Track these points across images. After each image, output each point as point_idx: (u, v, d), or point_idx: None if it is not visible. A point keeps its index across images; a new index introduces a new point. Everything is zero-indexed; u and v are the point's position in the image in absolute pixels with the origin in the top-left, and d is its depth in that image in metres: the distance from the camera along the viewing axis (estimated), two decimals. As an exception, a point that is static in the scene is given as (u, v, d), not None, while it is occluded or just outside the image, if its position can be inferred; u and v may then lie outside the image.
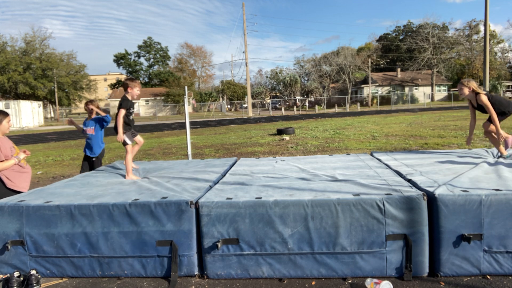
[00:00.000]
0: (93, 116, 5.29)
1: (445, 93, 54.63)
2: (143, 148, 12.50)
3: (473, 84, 4.40)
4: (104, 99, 70.69)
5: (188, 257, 2.96)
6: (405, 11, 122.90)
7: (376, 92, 54.49)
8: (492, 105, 4.24)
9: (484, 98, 4.23)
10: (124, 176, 4.21)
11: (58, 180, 4.30)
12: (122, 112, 4.13)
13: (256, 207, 2.87)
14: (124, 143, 4.21)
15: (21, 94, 45.50)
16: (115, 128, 4.20)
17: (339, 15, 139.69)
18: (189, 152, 7.18)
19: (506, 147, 4.37)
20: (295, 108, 43.29)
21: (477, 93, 4.32)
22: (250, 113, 40.38)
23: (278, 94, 64.07)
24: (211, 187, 3.51)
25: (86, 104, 5.37)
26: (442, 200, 2.71)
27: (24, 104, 34.62)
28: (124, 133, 4.20)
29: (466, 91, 4.41)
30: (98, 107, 5.34)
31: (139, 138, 4.50)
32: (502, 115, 4.31)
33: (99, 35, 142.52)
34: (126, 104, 4.16)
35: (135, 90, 4.24)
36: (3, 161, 3.64)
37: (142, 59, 71.16)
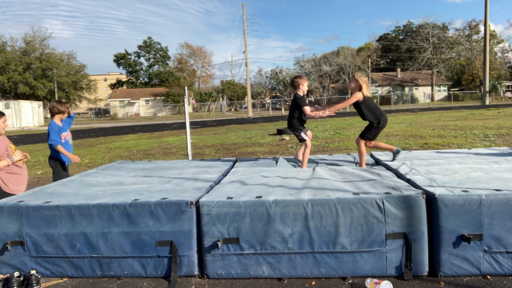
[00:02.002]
0: (65, 117, 4.82)
1: (445, 93, 54.66)
2: (143, 148, 12.51)
3: (363, 80, 4.16)
4: (104, 99, 70.68)
5: (188, 257, 2.96)
6: (405, 11, 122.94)
7: (376, 92, 54.50)
8: (360, 106, 4.14)
9: (356, 93, 4.12)
10: (122, 176, 4.21)
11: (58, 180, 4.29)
12: (307, 108, 4.26)
13: (256, 206, 2.87)
14: (302, 140, 4.35)
15: (21, 94, 45.50)
16: (291, 126, 4.33)
17: (339, 15, 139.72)
18: (189, 152, 7.18)
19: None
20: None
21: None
22: (250, 113, 40.38)
23: (278, 94, 64.08)
24: (211, 186, 3.51)
25: (65, 104, 4.73)
26: (442, 200, 2.71)
27: (24, 104, 34.62)
28: (301, 130, 4.35)
29: (352, 85, 4.21)
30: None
31: (311, 134, 4.48)
32: (370, 123, 4.22)
33: (99, 35, 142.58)
34: (304, 101, 4.26)
35: (305, 86, 4.35)
36: None
37: (142, 59, 71.23)
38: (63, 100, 4.92)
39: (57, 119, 4.69)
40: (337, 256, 2.84)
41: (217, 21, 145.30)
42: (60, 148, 4.55)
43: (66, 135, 4.73)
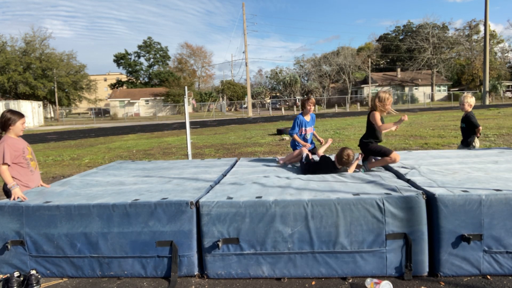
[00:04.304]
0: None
1: (445, 93, 54.65)
2: (143, 148, 12.50)
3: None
4: (104, 99, 70.67)
5: (188, 257, 2.96)
6: (405, 11, 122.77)
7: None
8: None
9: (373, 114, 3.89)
10: (122, 176, 4.21)
11: (58, 180, 4.30)
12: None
13: (256, 206, 2.87)
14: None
15: (21, 94, 45.45)
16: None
17: (339, 15, 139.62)
18: (189, 152, 7.17)
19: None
20: (295, 108, 43.27)
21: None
22: (250, 113, 40.38)
23: (278, 94, 64.08)
24: (211, 187, 3.51)
25: (310, 103, 5.03)
26: (442, 200, 2.71)
27: (24, 104, 34.62)
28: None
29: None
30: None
31: None
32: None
33: (100, 35, 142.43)
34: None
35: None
36: (8, 164, 3.40)
37: (142, 59, 71.16)
38: (310, 98, 5.16)
39: (305, 114, 5.04)
40: (337, 256, 2.84)
41: (217, 21, 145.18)
42: (295, 137, 4.96)
43: (306, 130, 5.04)
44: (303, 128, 4.96)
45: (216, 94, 60.72)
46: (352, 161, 3.86)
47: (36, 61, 46.67)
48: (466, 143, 5.17)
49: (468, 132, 5.16)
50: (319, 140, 5.14)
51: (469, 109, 5.15)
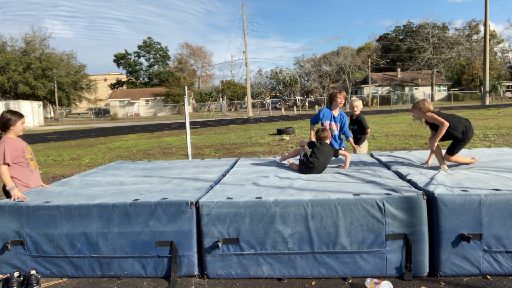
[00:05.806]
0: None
1: (445, 93, 54.66)
2: (143, 148, 12.51)
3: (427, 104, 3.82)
4: (104, 99, 70.68)
5: (188, 257, 2.96)
6: (405, 11, 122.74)
7: (376, 92, 54.50)
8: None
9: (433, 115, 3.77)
10: (122, 176, 4.22)
11: (58, 180, 4.30)
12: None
13: (256, 206, 2.87)
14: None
15: (21, 94, 45.46)
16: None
17: (339, 15, 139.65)
18: (189, 152, 7.18)
19: None
20: (295, 108, 43.27)
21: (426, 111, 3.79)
22: (250, 113, 40.38)
23: (278, 94, 64.12)
24: (211, 187, 3.51)
25: (341, 96, 4.82)
26: (442, 200, 2.71)
27: (24, 104, 34.62)
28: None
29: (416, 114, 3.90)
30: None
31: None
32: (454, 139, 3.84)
33: (100, 35, 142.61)
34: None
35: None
36: (8, 164, 3.40)
37: (142, 59, 71.20)
38: (342, 91, 4.93)
39: (334, 108, 4.88)
40: (337, 257, 2.84)
41: (217, 21, 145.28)
42: (310, 127, 4.84)
43: (331, 125, 4.84)
44: (328, 122, 4.75)
45: (216, 94, 60.75)
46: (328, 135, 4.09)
47: (36, 61, 46.67)
48: (357, 143, 5.46)
49: (359, 133, 5.54)
50: (353, 147, 5.12)
51: (359, 112, 5.38)
